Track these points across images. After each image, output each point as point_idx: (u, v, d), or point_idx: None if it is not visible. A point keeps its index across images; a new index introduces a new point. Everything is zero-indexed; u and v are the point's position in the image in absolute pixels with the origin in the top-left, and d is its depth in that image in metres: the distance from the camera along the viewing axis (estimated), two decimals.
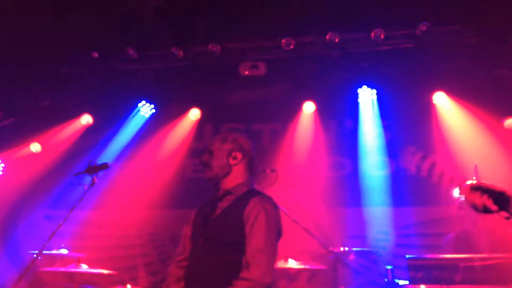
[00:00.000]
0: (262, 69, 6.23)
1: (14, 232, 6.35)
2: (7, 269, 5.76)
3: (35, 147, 6.76)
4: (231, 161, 3.02)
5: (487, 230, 4.20)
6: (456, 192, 4.22)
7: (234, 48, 6.24)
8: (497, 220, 4.07)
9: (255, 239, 2.80)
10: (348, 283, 4.64)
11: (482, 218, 4.12)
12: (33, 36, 6.01)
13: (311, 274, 4.99)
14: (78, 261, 4.83)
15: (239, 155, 3.03)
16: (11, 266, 5.84)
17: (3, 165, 6.59)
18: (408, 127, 6.25)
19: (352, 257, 4.60)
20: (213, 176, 3.02)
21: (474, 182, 4.10)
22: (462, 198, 3.97)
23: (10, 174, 6.56)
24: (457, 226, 4.63)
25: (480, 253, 3.86)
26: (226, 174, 3.01)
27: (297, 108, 6.59)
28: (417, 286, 3.46)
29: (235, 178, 3.02)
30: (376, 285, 4.52)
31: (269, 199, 3.00)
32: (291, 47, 5.98)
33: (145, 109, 6.83)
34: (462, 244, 4.22)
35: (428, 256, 3.63)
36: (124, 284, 4.78)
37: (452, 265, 3.40)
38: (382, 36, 5.72)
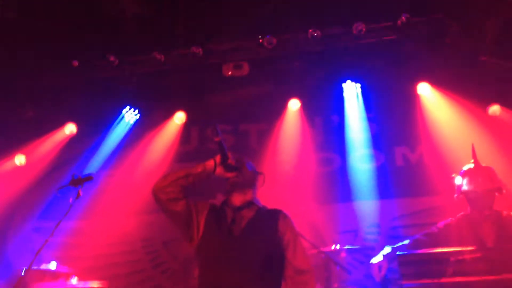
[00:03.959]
0: (245, 69, 6.21)
1: (4, 247, 6.28)
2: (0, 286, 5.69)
3: (19, 159, 6.68)
4: (257, 177, 3.27)
5: (492, 215, 4.14)
6: (457, 180, 4.22)
7: (216, 50, 6.21)
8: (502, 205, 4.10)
9: (300, 259, 3.07)
10: (342, 281, 4.64)
11: (483, 202, 4.10)
12: (12, 47, 5.94)
13: None
14: (67, 276, 4.79)
15: (261, 178, 3.31)
16: (3, 283, 5.76)
17: None
18: (394, 119, 6.26)
19: (343, 254, 4.60)
20: (242, 182, 3.16)
21: (473, 165, 4.13)
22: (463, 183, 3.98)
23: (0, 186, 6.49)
24: (450, 215, 4.60)
25: (485, 240, 3.88)
26: (252, 186, 3.22)
27: (283, 106, 6.57)
28: (409, 282, 3.46)
29: (254, 193, 3.25)
30: (370, 280, 4.51)
31: None
32: (273, 45, 5.95)
33: (130, 115, 6.77)
34: (465, 230, 4.15)
35: (419, 251, 3.63)
36: None
37: (443, 259, 3.41)
38: (364, 30, 5.71)
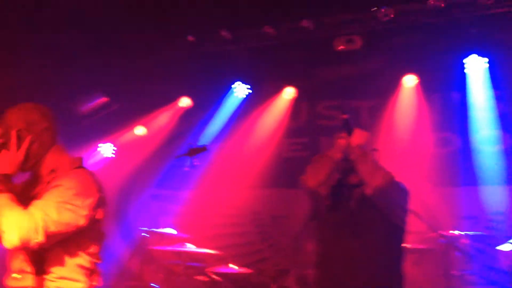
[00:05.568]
0: (358, 43, 5.98)
1: (126, 211, 6.78)
2: (121, 246, 6.18)
3: (140, 130, 7.13)
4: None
5: None
6: None
7: (328, 23, 6.04)
8: None
9: None
10: (461, 268, 4.37)
11: None
12: (133, 23, 6.24)
13: (418, 256, 4.77)
14: (185, 240, 5.05)
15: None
16: (124, 243, 6.25)
17: (115, 148, 7.04)
18: None
19: (465, 240, 4.32)
20: None
21: None
22: None
23: (121, 156, 7.00)
24: None
25: None
26: None
27: (397, 82, 6.26)
28: None
29: None
30: (492, 270, 4.21)
31: None
32: (389, 17, 5.66)
33: (240, 90, 6.87)
34: None
35: None
36: (227, 263, 4.92)
37: None
38: None
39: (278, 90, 6.80)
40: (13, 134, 2.29)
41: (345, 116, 3.02)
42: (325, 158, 3.07)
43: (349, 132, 3.03)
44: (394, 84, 6.28)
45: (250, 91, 6.86)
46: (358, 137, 3.04)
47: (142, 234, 5.54)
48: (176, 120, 7.04)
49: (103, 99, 6.79)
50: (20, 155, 2.28)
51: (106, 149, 7.02)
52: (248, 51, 6.50)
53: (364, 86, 6.45)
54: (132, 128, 7.08)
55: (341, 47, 6.03)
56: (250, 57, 6.56)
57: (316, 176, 3.03)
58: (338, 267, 2.97)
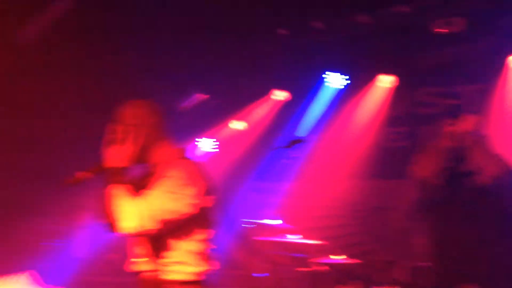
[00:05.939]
0: (459, 25, 5.68)
1: (228, 203, 7.04)
2: (226, 237, 6.43)
3: (236, 125, 7.35)
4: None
5: None
6: None
7: (425, 5, 5.79)
8: None
9: None
10: None
11: None
12: (226, 21, 6.42)
13: None
14: (288, 231, 5.15)
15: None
16: (228, 234, 6.50)
17: (217, 142, 7.34)
18: None
19: None
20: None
21: None
22: None
23: (221, 150, 7.27)
24: None
25: None
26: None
27: (503, 64, 5.86)
28: None
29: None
30: None
31: None
32: None
33: (336, 80, 6.81)
34: None
35: None
36: (329, 254, 4.94)
37: None
38: None
39: (375, 78, 6.67)
40: (125, 129, 2.49)
41: (451, 102, 2.92)
42: (435, 147, 3.00)
43: (457, 119, 2.91)
44: (500, 66, 5.89)
45: (348, 81, 6.77)
46: (466, 123, 2.92)
47: (246, 225, 5.74)
48: (274, 112, 7.16)
49: (203, 96, 7.07)
50: (131, 148, 2.48)
51: (206, 144, 7.32)
52: (343, 41, 6.42)
53: (468, 70, 6.11)
54: (230, 122, 7.32)
55: (441, 30, 5.76)
56: (345, 46, 6.47)
57: (426, 166, 2.97)
58: (454, 258, 2.90)
